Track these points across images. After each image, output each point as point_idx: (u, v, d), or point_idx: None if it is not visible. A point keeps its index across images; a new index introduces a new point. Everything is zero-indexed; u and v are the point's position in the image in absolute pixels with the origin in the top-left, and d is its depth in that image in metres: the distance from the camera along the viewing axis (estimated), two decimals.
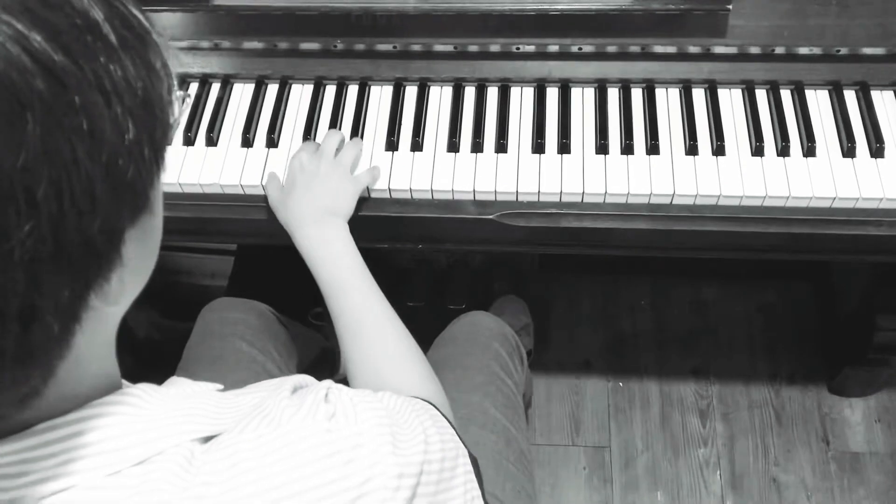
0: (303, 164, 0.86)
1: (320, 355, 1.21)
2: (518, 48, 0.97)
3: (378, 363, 0.78)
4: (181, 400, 0.47)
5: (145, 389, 0.46)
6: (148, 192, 0.39)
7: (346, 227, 0.84)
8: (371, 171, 0.92)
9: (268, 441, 0.46)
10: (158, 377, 0.54)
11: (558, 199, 0.92)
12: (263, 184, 0.93)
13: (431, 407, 0.63)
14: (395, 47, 0.98)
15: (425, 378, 0.77)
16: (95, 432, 0.41)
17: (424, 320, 1.06)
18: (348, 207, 0.86)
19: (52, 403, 0.40)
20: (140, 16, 0.38)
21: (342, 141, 0.92)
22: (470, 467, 0.61)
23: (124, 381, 0.48)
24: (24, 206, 0.32)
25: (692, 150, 0.93)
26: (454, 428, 0.64)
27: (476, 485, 0.62)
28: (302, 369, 1.09)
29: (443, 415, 0.64)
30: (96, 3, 0.35)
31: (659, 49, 0.96)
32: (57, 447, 0.40)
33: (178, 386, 0.52)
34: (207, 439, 0.46)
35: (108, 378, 0.45)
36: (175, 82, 0.40)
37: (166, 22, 0.98)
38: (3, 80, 0.31)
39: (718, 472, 1.44)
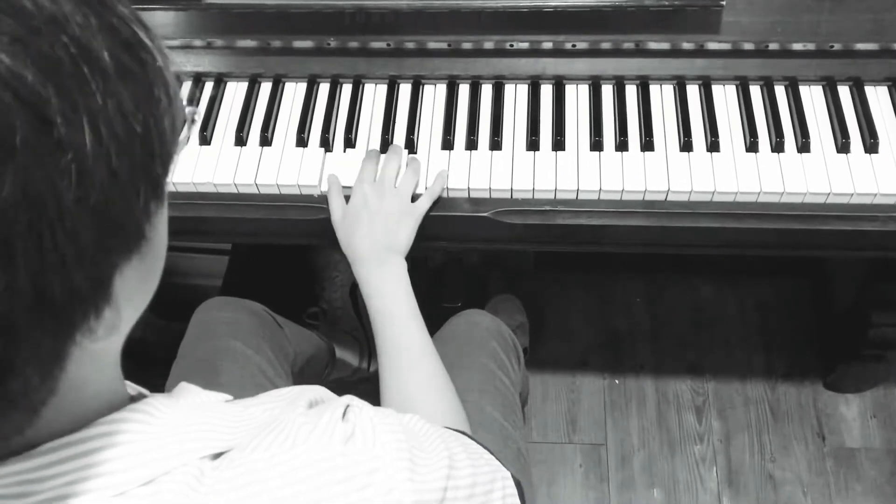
0: (366, 199, 0.89)
1: (315, 355, 1.21)
2: (512, 45, 0.97)
3: (411, 392, 0.80)
4: (190, 414, 0.45)
5: (153, 404, 0.44)
6: (142, 228, 0.37)
7: (404, 264, 0.88)
8: (429, 195, 0.91)
9: (281, 462, 0.44)
10: (153, 377, 0.54)
11: (553, 197, 0.92)
12: (324, 190, 0.93)
13: (463, 435, 0.62)
14: (388, 45, 0.98)
15: (454, 412, 0.79)
16: (102, 452, 0.40)
17: None
18: (407, 242, 0.89)
19: (55, 423, 0.39)
20: (144, 37, 0.36)
21: (401, 164, 0.92)
22: (512, 490, 0.60)
23: (130, 384, 0.47)
24: (1, 259, 0.30)
25: (687, 146, 0.93)
26: (492, 453, 0.63)
27: None
28: (297, 369, 1.09)
29: (478, 443, 0.63)
30: (97, 31, 0.33)
31: (653, 45, 0.96)
32: (62, 468, 0.39)
33: (187, 395, 0.51)
34: (217, 455, 0.45)
35: (113, 395, 0.44)
36: (181, 107, 0.38)
37: (159, 21, 0.98)
38: None
39: (715, 469, 1.45)
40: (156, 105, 0.36)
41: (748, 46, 0.95)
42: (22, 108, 0.29)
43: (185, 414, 0.45)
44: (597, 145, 0.94)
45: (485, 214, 0.92)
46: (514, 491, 0.60)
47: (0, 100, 0.29)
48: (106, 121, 0.32)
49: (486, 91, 0.99)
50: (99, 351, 0.39)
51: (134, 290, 0.39)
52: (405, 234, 0.89)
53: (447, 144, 0.95)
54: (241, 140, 0.97)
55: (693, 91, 0.98)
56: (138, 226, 0.36)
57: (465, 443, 0.59)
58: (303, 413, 0.48)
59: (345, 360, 1.43)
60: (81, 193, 0.31)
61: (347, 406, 0.50)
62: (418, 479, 0.48)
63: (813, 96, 0.97)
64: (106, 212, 0.33)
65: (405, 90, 1.00)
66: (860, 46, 0.94)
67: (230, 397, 0.53)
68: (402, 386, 0.81)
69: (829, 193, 0.89)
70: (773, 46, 0.95)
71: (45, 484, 0.39)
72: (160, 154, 0.36)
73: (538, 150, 0.94)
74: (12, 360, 0.32)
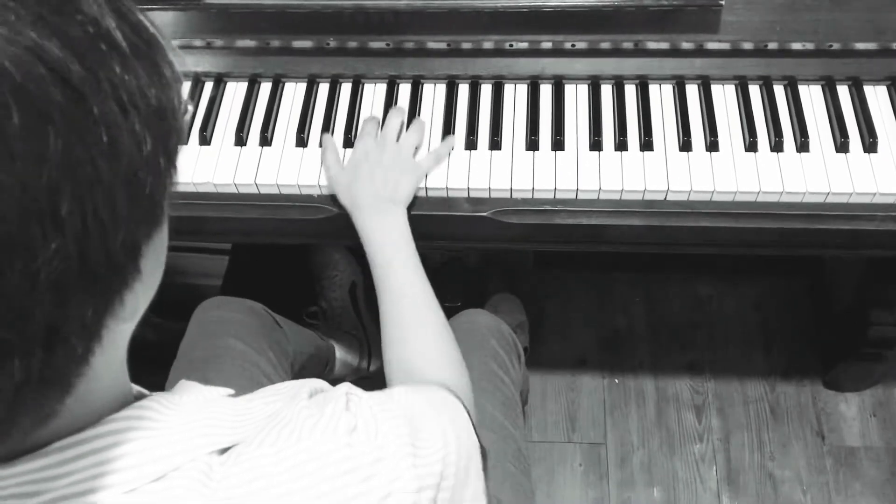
0: (367, 152, 0.89)
1: (315, 354, 1.21)
2: (511, 45, 0.97)
3: (412, 343, 0.79)
4: (196, 410, 0.46)
5: (159, 401, 0.45)
6: (163, 204, 0.38)
7: (405, 215, 0.87)
8: (434, 155, 0.92)
9: (288, 456, 0.45)
10: (153, 377, 0.54)
11: (552, 196, 0.92)
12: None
13: (451, 398, 0.63)
14: (388, 45, 0.98)
15: (454, 364, 0.79)
16: (112, 450, 0.41)
17: None
18: (408, 195, 0.89)
19: (67, 421, 0.39)
20: (147, 22, 0.38)
21: (403, 122, 0.93)
22: (480, 461, 0.61)
23: (135, 387, 0.47)
24: (50, 224, 0.31)
25: (686, 146, 0.93)
26: (472, 420, 0.64)
27: (483, 480, 0.61)
28: (297, 368, 1.09)
29: (463, 405, 0.64)
30: (107, 11, 0.34)
31: (652, 45, 0.96)
32: (73, 466, 0.39)
33: (190, 392, 0.51)
34: (224, 450, 0.45)
35: (121, 392, 0.44)
36: (182, 89, 0.40)
37: (158, 21, 0.97)
38: (22, 92, 0.30)
39: (714, 468, 1.45)
40: (165, 82, 0.37)
41: (747, 46, 0.95)
42: (58, 82, 0.31)
43: (190, 410, 0.46)
44: (596, 145, 0.94)
45: (484, 214, 0.92)
46: (481, 461, 0.61)
47: (38, 72, 0.30)
48: (128, 93, 0.34)
49: (486, 91, 0.99)
50: (116, 339, 0.40)
51: (149, 274, 0.40)
52: (406, 189, 0.88)
53: None
54: (240, 140, 0.97)
55: (692, 91, 0.98)
56: (160, 199, 0.38)
57: (452, 411, 0.61)
58: (306, 405, 0.49)
59: (344, 360, 1.43)
60: (113, 162, 0.33)
61: (348, 395, 0.50)
62: (420, 464, 0.49)
63: (812, 96, 0.97)
64: (135, 181, 0.35)
65: (405, 90, 1.00)
66: (859, 46, 0.94)
67: (232, 391, 0.54)
68: (404, 336, 0.80)
69: (828, 193, 0.90)
70: (772, 46, 0.95)
71: (57, 482, 0.39)
72: (173, 127, 0.38)
73: (537, 149, 0.94)
74: (60, 326, 0.33)
